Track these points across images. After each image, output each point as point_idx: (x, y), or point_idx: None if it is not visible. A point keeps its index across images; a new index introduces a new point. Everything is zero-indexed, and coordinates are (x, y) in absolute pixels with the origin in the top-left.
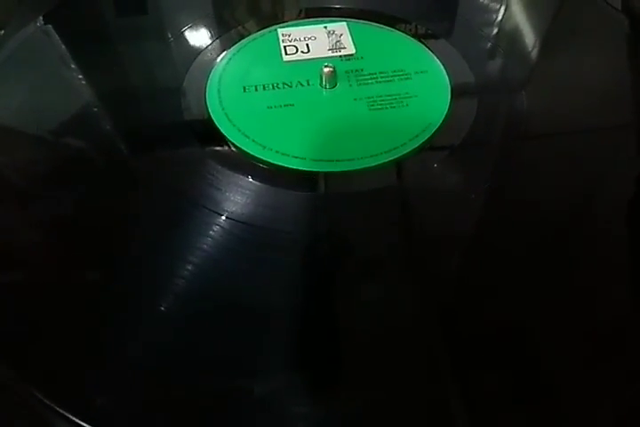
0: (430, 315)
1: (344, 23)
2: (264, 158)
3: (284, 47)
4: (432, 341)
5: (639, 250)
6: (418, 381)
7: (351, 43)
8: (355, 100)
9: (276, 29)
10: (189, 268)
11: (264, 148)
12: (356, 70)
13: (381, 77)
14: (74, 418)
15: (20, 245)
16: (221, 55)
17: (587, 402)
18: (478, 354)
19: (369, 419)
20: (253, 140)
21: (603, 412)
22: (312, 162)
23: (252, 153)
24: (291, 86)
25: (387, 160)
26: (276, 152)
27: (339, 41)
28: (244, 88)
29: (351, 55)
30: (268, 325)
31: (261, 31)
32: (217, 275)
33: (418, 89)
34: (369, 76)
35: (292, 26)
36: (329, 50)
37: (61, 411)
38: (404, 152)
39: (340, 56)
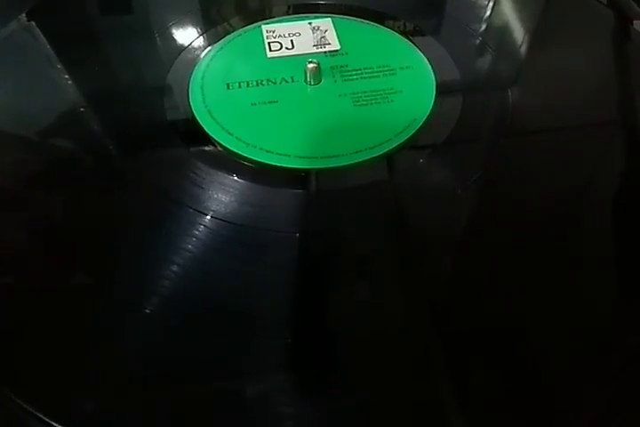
0: (423, 311)
1: (329, 19)
2: (248, 156)
3: (269, 43)
4: (425, 336)
5: (627, 244)
6: (413, 380)
7: (336, 39)
8: (339, 96)
9: (260, 26)
10: (176, 269)
11: (248, 145)
12: (341, 66)
13: (366, 73)
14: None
15: (6, 246)
16: (204, 52)
17: (581, 398)
18: (472, 351)
19: (364, 419)
20: (237, 138)
21: (599, 410)
22: (297, 159)
23: (235, 151)
24: (275, 83)
25: (372, 156)
26: (260, 149)
27: (323, 37)
28: (228, 85)
29: (336, 51)
30: (258, 325)
31: (245, 28)
32: (205, 275)
33: (403, 84)
34: (354, 72)
35: (277, 22)
36: (314, 46)
37: (43, 417)
38: (390, 148)
39: (325, 52)
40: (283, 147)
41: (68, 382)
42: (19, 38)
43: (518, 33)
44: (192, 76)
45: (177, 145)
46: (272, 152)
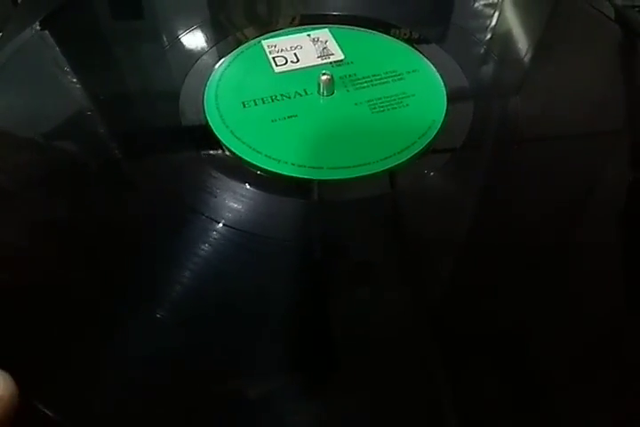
0: (425, 322)
1: (326, 30)
2: (283, 173)
3: (273, 59)
4: (427, 348)
5: (633, 253)
6: (414, 383)
7: (338, 48)
8: (355, 104)
9: (260, 41)
10: (184, 273)
11: (279, 161)
12: (350, 75)
13: (376, 80)
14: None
15: (19, 249)
16: (213, 69)
17: (582, 406)
18: (473, 357)
19: (364, 420)
20: (266, 156)
21: (599, 415)
22: (330, 170)
23: (269, 168)
24: (289, 97)
25: (402, 161)
26: (292, 165)
27: (325, 48)
28: (244, 104)
29: (341, 61)
30: (260, 330)
31: (246, 44)
32: (211, 281)
33: (413, 88)
34: (363, 80)
35: (276, 36)
36: (318, 57)
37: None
38: (417, 150)
39: (331, 63)
40: (316, 160)
41: (79, 382)
42: (33, 46)
43: (523, 45)
44: (205, 98)
45: (207, 172)
46: (304, 166)
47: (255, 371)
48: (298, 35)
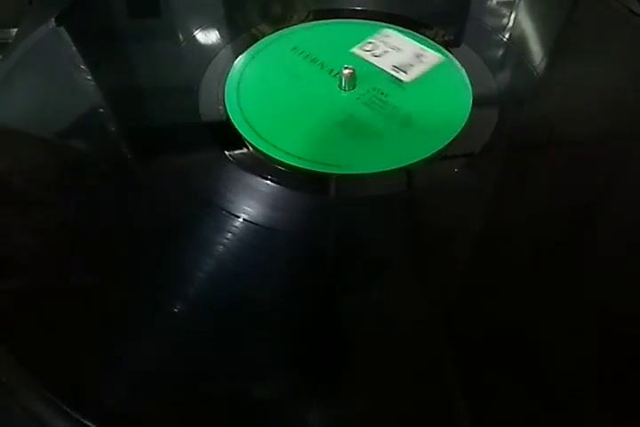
0: (438, 320)
1: (443, 57)
2: (278, 158)
3: (369, 42)
4: (439, 346)
5: None
6: (427, 384)
7: (420, 74)
8: (342, 110)
9: (383, 26)
10: (197, 269)
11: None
12: (381, 94)
13: (389, 112)
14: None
15: (38, 246)
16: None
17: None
18: (484, 358)
19: (374, 420)
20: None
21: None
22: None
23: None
24: (322, 68)
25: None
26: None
27: (412, 66)
28: (295, 48)
29: (401, 81)
30: (268, 324)
31: (374, 22)
32: (224, 276)
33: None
34: (380, 105)
35: (400, 32)
36: (393, 66)
37: (69, 411)
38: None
39: (392, 77)
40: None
41: (92, 379)
42: (48, 43)
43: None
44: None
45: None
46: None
47: (269, 370)
48: (418, 43)
